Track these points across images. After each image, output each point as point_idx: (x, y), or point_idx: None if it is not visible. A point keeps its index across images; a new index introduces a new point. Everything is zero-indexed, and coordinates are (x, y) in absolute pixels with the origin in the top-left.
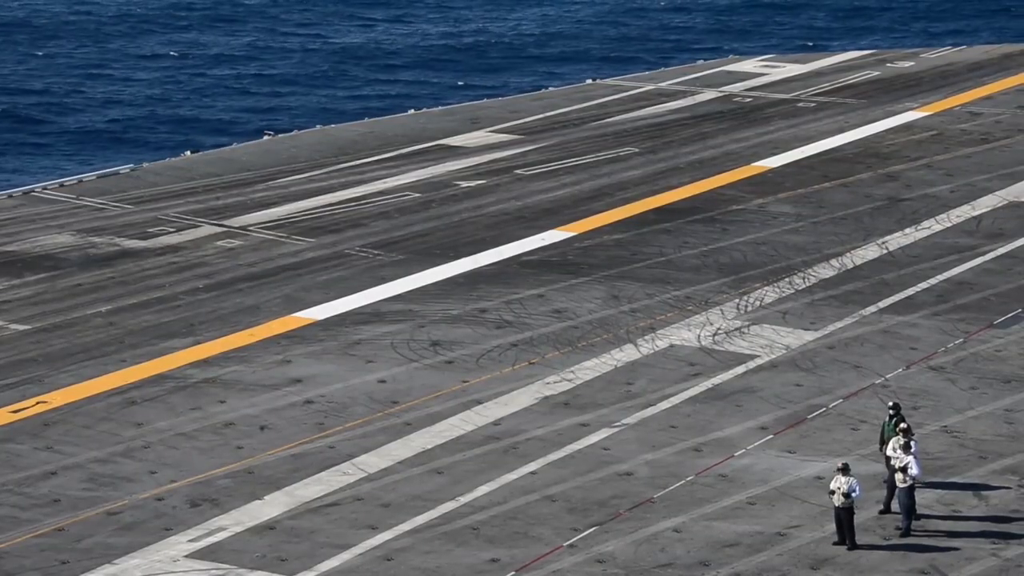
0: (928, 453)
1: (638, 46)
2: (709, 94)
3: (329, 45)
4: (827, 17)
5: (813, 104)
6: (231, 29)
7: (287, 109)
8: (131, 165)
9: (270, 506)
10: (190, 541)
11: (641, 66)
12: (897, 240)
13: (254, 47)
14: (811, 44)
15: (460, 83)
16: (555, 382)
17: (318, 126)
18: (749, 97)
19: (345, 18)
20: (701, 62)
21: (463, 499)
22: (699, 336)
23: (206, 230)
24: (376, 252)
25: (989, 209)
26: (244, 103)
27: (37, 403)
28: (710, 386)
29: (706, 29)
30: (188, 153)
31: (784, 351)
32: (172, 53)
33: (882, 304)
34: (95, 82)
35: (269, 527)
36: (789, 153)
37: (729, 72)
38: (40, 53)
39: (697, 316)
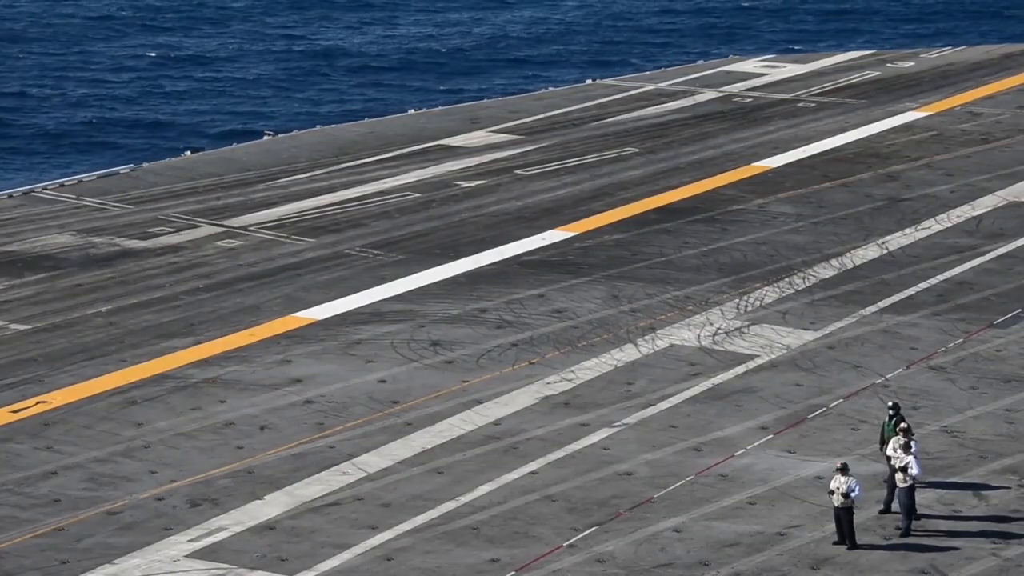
0: (928, 453)
1: (625, 50)
2: (709, 94)
3: (313, 47)
4: (815, 20)
5: (813, 104)
6: (213, 31)
7: (267, 113)
8: (131, 165)
9: (270, 506)
10: (190, 541)
11: (628, 69)
12: (897, 240)
13: (237, 49)
14: (798, 48)
15: (443, 87)
16: (555, 382)
17: (318, 126)
18: (749, 97)
19: (329, 20)
20: (701, 62)
21: (463, 499)
22: (699, 336)
23: (206, 230)
24: (376, 252)
25: (989, 209)
26: (224, 106)
27: (37, 403)
28: (710, 386)
29: (693, 33)
30: (188, 153)
31: (784, 351)
32: (150, 55)
33: (882, 304)
34: (71, 84)
35: (269, 527)
36: (789, 153)
37: (729, 72)
38: (19, 54)
39: (697, 316)
